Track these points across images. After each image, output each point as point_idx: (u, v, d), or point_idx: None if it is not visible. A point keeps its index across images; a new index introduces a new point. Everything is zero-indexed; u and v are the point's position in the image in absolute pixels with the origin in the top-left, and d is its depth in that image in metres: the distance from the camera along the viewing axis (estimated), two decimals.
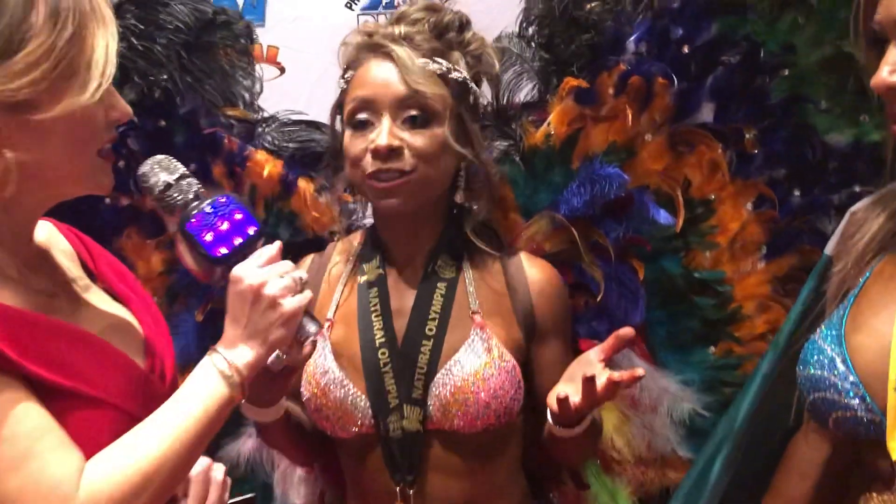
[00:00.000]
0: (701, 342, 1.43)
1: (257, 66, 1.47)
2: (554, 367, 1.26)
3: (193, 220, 0.95)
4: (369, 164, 1.17)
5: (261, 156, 1.43)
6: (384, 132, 1.15)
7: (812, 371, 0.99)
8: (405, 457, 1.21)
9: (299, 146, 1.45)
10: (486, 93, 1.30)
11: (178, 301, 1.48)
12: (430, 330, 1.21)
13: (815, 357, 0.99)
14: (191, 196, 0.96)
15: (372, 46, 1.21)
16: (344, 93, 1.24)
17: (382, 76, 1.18)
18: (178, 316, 1.46)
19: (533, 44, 1.39)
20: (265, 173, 1.41)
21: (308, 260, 1.34)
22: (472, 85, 1.23)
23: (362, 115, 1.18)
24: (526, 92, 1.39)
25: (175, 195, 0.96)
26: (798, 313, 1.20)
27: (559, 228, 1.37)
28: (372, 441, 1.23)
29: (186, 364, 1.36)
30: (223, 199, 0.97)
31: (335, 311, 1.27)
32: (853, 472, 1.15)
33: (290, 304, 0.94)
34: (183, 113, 1.40)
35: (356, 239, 1.33)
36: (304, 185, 1.43)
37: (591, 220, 1.36)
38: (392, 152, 1.15)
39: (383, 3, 2.06)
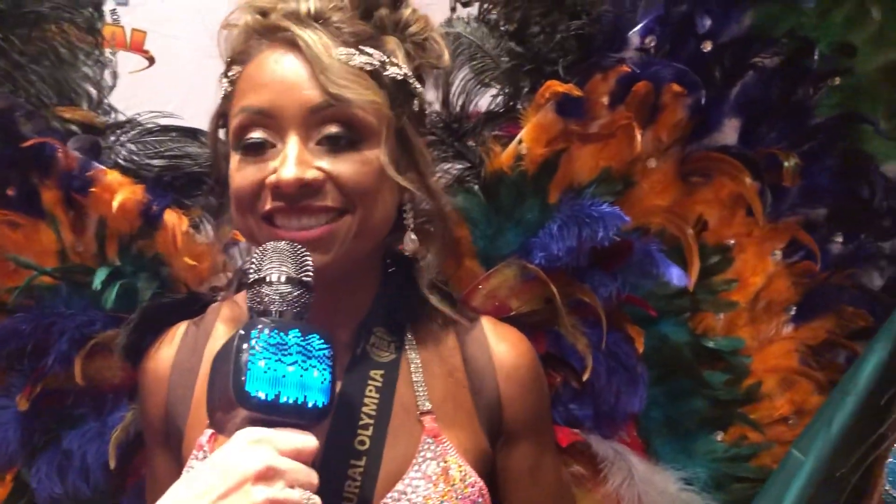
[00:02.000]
0: (707, 428, 1.18)
1: (110, 52, 1.11)
2: (527, 479, 1.01)
3: (265, 333, 0.75)
4: (267, 202, 0.85)
5: (112, 177, 1.07)
6: (291, 159, 0.83)
7: None
8: None
9: (168, 163, 1.11)
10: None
11: None
12: (362, 443, 0.90)
13: None
14: (288, 309, 0.79)
15: (268, 30, 0.89)
16: (227, 98, 0.91)
17: (285, 76, 0.86)
18: None
19: (497, 32, 1.09)
20: (117, 202, 1.06)
21: (179, 331, 1.02)
22: (416, 84, 0.92)
23: (256, 135, 0.86)
24: (488, 97, 1.09)
25: (267, 298, 0.79)
26: (862, 392, 1.04)
27: (531, 281, 1.09)
28: None
29: (7, 467, 1.13)
30: (321, 344, 0.78)
31: None
32: None
33: None
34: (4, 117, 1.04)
35: (240, 304, 1.00)
36: (173, 219, 1.09)
37: (575, 272, 1.08)
38: (305, 188, 0.83)
39: None
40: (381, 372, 0.93)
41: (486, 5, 1.08)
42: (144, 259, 1.10)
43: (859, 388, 1.07)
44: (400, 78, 0.90)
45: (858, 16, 1.08)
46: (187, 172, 1.11)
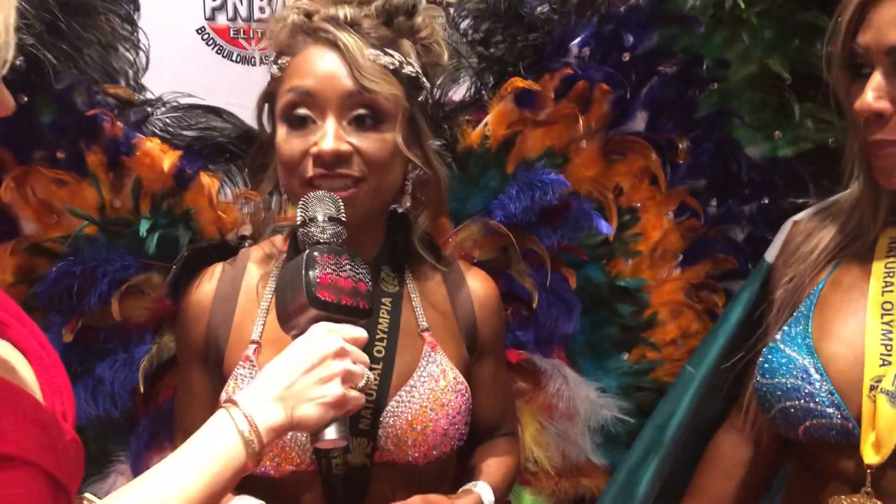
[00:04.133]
0: (618, 348, 1.45)
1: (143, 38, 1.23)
2: (489, 385, 1.22)
3: (323, 256, 0.93)
4: (309, 168, 1.03)
5: (152, 144, 1.22)
6: (330, 134, 1.01)
7: (782, 380, 1.02)
8: (349, 494, 1.10)
9: (198, 135, 1.25)
10: None
11: (38, 317, 1.20)
12: (379, 352, 1.09)
13: (784, 366, 1.02)
14: (334, 240, 0.97)
15: (312, 30, 1.05)
16: (277, 81, 1.08)
17: (327, 68, 1.03)
18: None
19: (466, 39, 1.29)
20: (163, 165, 1.21)
21: (217, 270, 1.16)
22: (424, 80, 1.10)
23: (302, 111, 1.04)
24: (463, 89, 1.30)
25: (316, 232, 0.96)
26: (737, 319, 1.25)
27: (491, 235, 1.32)
28: (309, 479, 1.09)
29: None
30: (363, 266, 0.97)
31: (261, 332, 1.11)
32: (782, 472, 1.22)
33: (341, 391, 0.88)
34: (57, 89, 1.15)
35: (278, 246, 1.17)
36: (207, 180, 1.24)
37: (527, 227, 1.31)
38: (339, 158, 1.02)
39: None
40: (390, 299, 1.12)
41: (457, 18, 1.29)
42: (176, 213, 1.24)
43: (734, 317, 1.25)
44: (413, 75, 1.07)
45: (732, 38, 1.33)
46: (214, 142, 1.26)
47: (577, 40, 1.28)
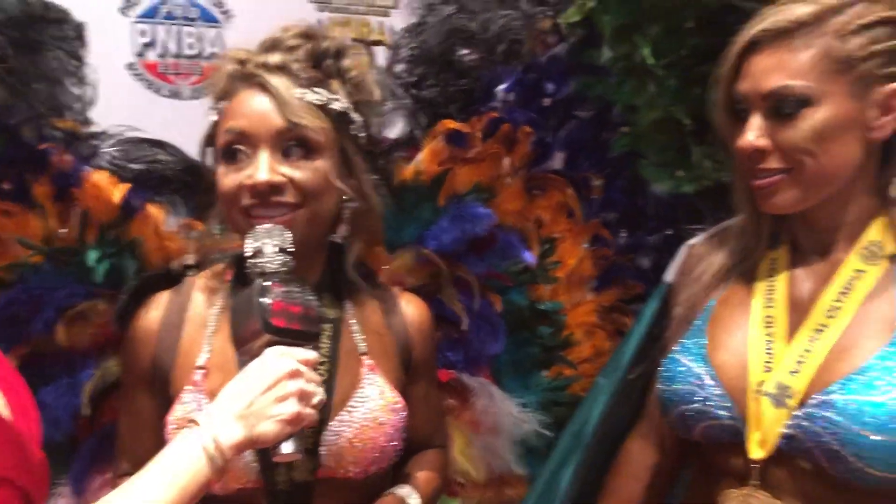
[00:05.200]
0: (538, 367, 1.55)
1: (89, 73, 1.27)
2: (422, 403, 1.29)
3: (274, 284, 0.98)
4: (246, 198, 1.09)
5: (100, 176, 1.27)
6: (263, 167, 1.07)
7: (679, 386, 1.14)
8: None
9: (145, 167, 1.32)
10: None
11: None
12: (321, 374, 1.14)
13: (681, 374, 1.14)
14: (283, 269, 1.02)
15: (245, 76, 1.12)
16: (216, 124, 1.14)
17: (258, 108, 1.09)
18: None
19: (401, 81, 1.40)
20: (111, 197, 1.25)
21: (164, 297, 1.21)
22: (354, 114, 1.16)
23: (236, 147, 1.10)
24: (398, 128, 1.40)
25: (265, 263, 1.01)
26: (641, 335, 1.36)
27: (423, 263, 1.41)
28: (255, 496, 1.15)
29: None
30: (310, 293, 1.01)
31: (208, 358, 1.16)
32: (689, 473, 1.35)
33: (297, 409, 0.92)
34: (6, 123, 1.19)
35: (222, 275, 1.22)
36: (154, 211, 1.30)
37: (457, 256, 1.41)
38: (272, 188, 1.08)
39: (161, 14, 1.91)
40: (331, 325, 1.17)
41: (393, 63, 1.39)
42: (123, 243, 1.28)
43: (638, 332, 1.35)
44: (341, 109, 1.13)
45: (640, 87, 1.45)
46: (159, 175, 1.31)
47: (502, 86, 1.40)
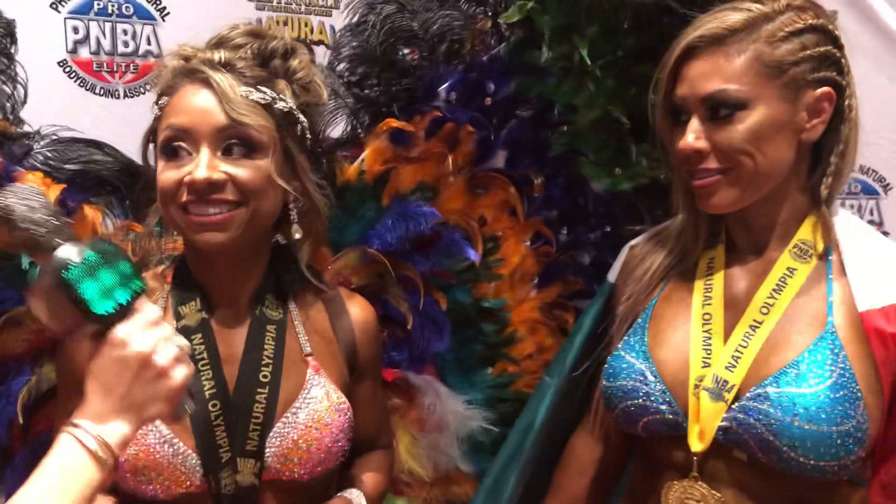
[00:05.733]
0: (482, 364, 1.56)
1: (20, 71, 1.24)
2: (368, 403, 1.29)
3: (73, 268, 0.84)
4: (184, 195, 1.08)
5: (34, 177, 1.23)
6: (203, 164, 1.06)
7: (623, 382, 1.17)
8: None
9: (80, 168, 1.28)
10: None
11: None
12: (265, 377, 1.15)
13: (625, 371, 1.18)
14: (64, 237, 0.85)
15: (188, 72, 1.11)
16: (157, 119, 1.13)
17: (200, 104, 1.08)
18: None
19: (343, 80, 1.38)
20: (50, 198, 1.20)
21: None
22: (300, 115, 1.16)
23: (177, 144, 1.09)
24: (340, 127, 1.38)
25: (42, 231, 0.84)
26: (585, 334, 1.38)
27: (368, 262, 1.41)
28: (198, 500, 1.14)
29: None
30: (107, 247, 0.87)
31: None
32: (633, 466, 1.38)
33: (179, 375, 0.87)
34: None
35: (161, 278, 1.20)
36: (90, 212, 1.26)
37: (401, 254, 1.41)
38: (212, 185, 1.07)
39: (95, 10, 1.87)
40: (274, 326, 1.17)
41: (334, 62, 1.38)
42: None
43: (583, 331, 1.38)
44: (286, 110, 1.12)
45: (579, 87, 1.49)
46: (96, 175, 1.28)
47: (445, 85, 1.41)
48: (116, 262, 0.87)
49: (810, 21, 1.09)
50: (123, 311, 0.87)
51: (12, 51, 1.24)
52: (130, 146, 1.34)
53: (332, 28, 2.18)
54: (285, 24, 2.07)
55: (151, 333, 0.86)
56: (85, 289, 0.84)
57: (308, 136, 1.19)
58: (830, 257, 1.13)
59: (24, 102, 1.26)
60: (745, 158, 1.09)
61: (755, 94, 1.07)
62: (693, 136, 1.10)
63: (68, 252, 0.85)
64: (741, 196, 1.12)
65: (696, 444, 1.11)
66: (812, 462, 1.02)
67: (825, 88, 1.09)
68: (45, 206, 0.86)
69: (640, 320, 1.22)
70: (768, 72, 1.07)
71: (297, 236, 1.18)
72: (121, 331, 0.85)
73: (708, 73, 1.09)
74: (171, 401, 0.88)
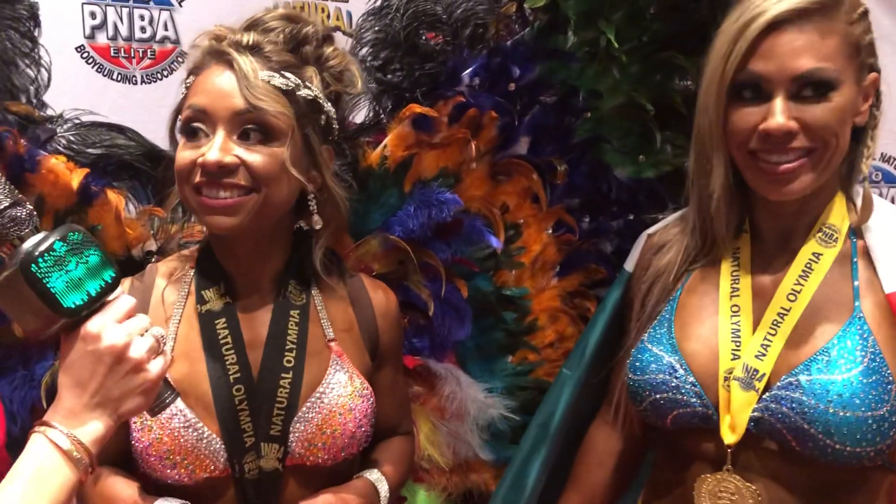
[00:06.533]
0: (503, 352, 1.55)
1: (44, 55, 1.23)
2: (389, 389, 1.30)
3: (40, 260, 0.80)
4: (197, 176, 1.08)
5: (57, 161, 1.22)
6: (216, 146, 1.05)
7: (651, 376, 1.16)
8: (261, 496, 1.15)
9: (103, 152, 1.28)
10: None
11: None
12: (289, 361, 1.15)
13: (653, 364, 1.16)
14: (29, 228, 0.82)
15: (216, 53, 1.11)
16: (183, 98, 1.13)
17: (220, 86, 1.08)
18: None
19: (365, 65, 1.36)
20: (69, 182, 1.22)
21: (126, 284, 1.18)
22: (326, 104, 1.14)
23: (195, 125, 1.08)
24: (363, 113, 1.37)
25: (7, 224, 0.81)
26: (604, 324, 1.37)
27: (389, 249, 1.40)
28: (222, 485, 1.14)
29: None
30: (75, 236, 0.83)
31: (173, 346, 1.14)
32: (648, 458, 1.38)
33: (155, 368, 0.85)
34: None
35: (185, 262, 1.20)
36: (113, 197, 1.26)
37: (423, 241, 1.40)
38: (223, 168, 1.06)
39: None
40: (298, 311, 1.17)
41: (357, 47, 1.35)
42: None
43: (603, 320, 1.36)
44: (310, 98, 1.11)
45: (604, 73, 1.47)
46: (118, 160, 1.28)
47: (468, 71, 1.38)
48: (86, 250, 0.83)
49: (865, 4, 1.08)
50: (94, 303, 0.83)
51: (35, 34, 1.23)
52: (148, 133, 1.35)
53: (349, 14, 2.16)
54: (301, 9, 2.05)
55: (125, 325, 0.84)
56: (53, 281, 0.80)
57: (334, 126, 1.18)
58: (855, 240, 1.12)
59: (48, 86, 1.25)
60: (833, 139, 1.05)
61: (844, 76, 1.04)
62: (784, 115, 1.04)
63: (33, 243, 0.80)
64: (815, 181, 1.08)
65: (729, 436, 1.10)
66: (849, 448, 1.01)
67: (874, 73, 1.09)
68: (9, 195, 0.82)
69: (665, 312, 1.21)
70: (851, 52, 1.05)
71: (318, 227, 1.17)
72: (93, 324, 0.82)
73: (799, 49, 1.03)
74: (148, 394, 0.86)
